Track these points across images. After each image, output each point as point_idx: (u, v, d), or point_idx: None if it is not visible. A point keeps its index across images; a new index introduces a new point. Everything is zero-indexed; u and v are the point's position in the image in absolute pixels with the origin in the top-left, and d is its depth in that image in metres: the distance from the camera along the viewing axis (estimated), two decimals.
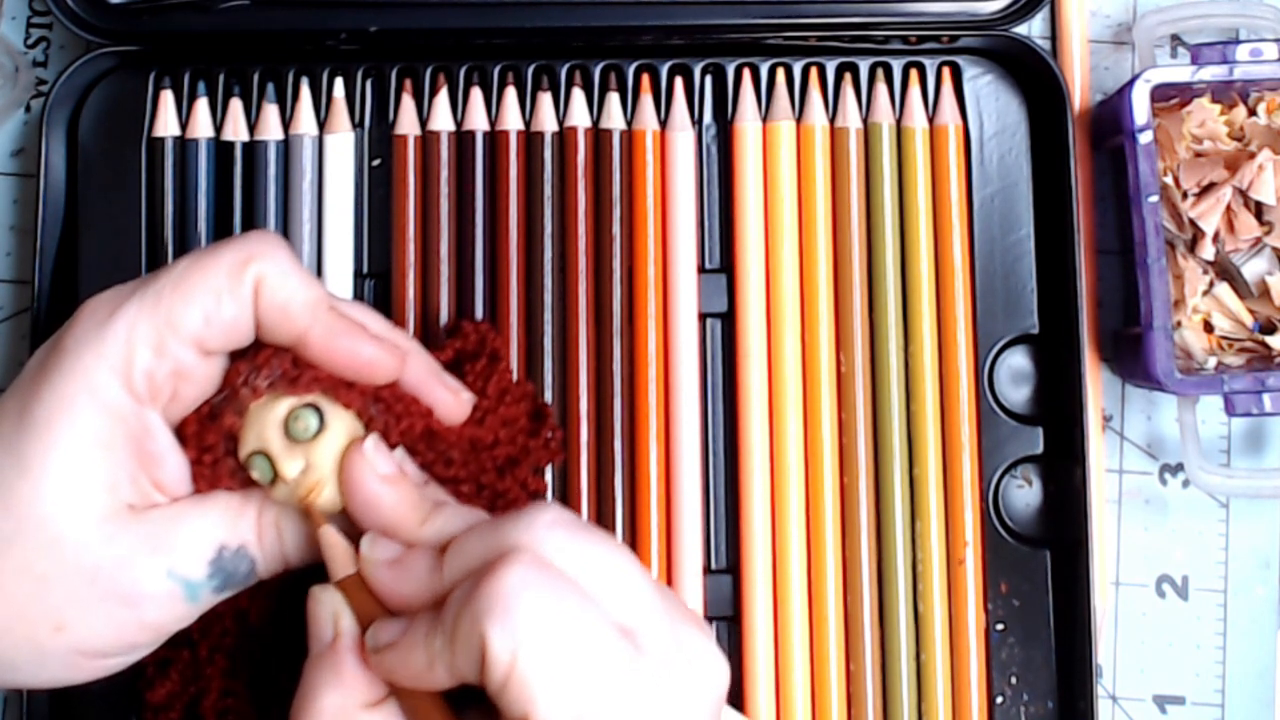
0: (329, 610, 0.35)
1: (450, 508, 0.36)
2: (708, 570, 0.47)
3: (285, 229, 0.47)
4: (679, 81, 0.48)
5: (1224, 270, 0.49)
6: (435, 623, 0.32)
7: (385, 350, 0.37)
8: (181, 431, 0.36)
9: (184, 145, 0.48)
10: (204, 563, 0.36)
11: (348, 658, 0.34)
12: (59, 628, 0.35)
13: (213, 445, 0.36)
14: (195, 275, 0.35)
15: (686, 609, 0.34)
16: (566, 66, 0.48)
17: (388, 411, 0.37)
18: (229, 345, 0.36)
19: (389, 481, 0.36)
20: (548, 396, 0.46)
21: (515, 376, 0.46)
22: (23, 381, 0.36)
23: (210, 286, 0.35)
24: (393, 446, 0.37)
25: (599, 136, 0.48)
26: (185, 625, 0.37)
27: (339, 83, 0.48)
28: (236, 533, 0.36)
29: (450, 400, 0.40)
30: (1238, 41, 0.47)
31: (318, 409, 0.36)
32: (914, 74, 0.48)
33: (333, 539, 0.36)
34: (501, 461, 0.42)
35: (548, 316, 0.47)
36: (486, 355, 0.44)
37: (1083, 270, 0.47)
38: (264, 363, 0.36)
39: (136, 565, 0.35)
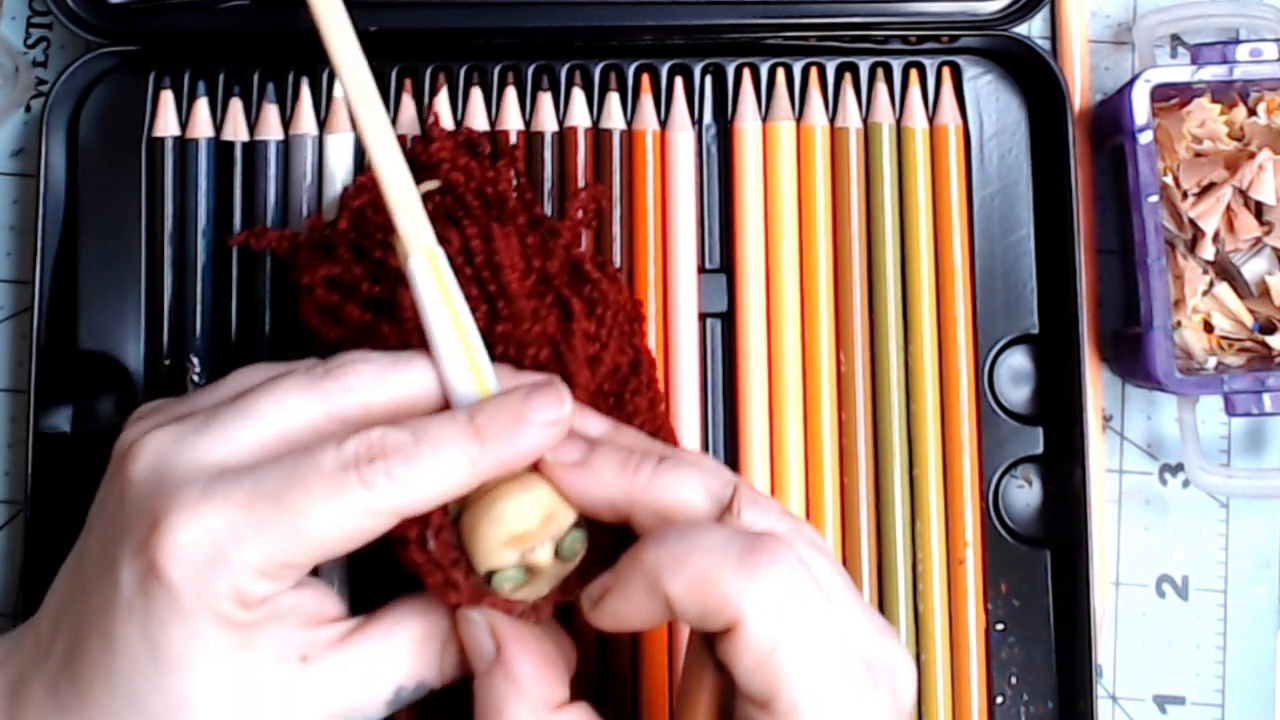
0: (484, 628, 0.34)
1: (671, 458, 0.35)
2: None
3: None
4: (679, 81, 0.48)
5: (1224, 270, 0.49)
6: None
7: (544, 416, 0.34)
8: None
9: (184, 145, 0.48)
10: (381, 703, 0.35)
11: (522, 664, 0.33)
12: None
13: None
14: (320, 525, 0.32)
15: (887, 624, 0.34)
16: (566, 66, 0.48)
17: None
18: None
19: (586, 466, 0.34)
20: None
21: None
22: (134, 612, 0.32)
23: (339, 534, 0.32)
24: None
25: (599, 136, 0.48)
26: None
27: (339, 83, 0.48)
28: (415, 669, 0.35)
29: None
30: (1238, 41, 0.47)
31: (581, 524, 0.35)
32: (914, 74, 0.48)
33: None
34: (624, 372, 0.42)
35: None
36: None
37: (1083, 270, 0.47)
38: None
39: (313, 712, 0.34)
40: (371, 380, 0.35)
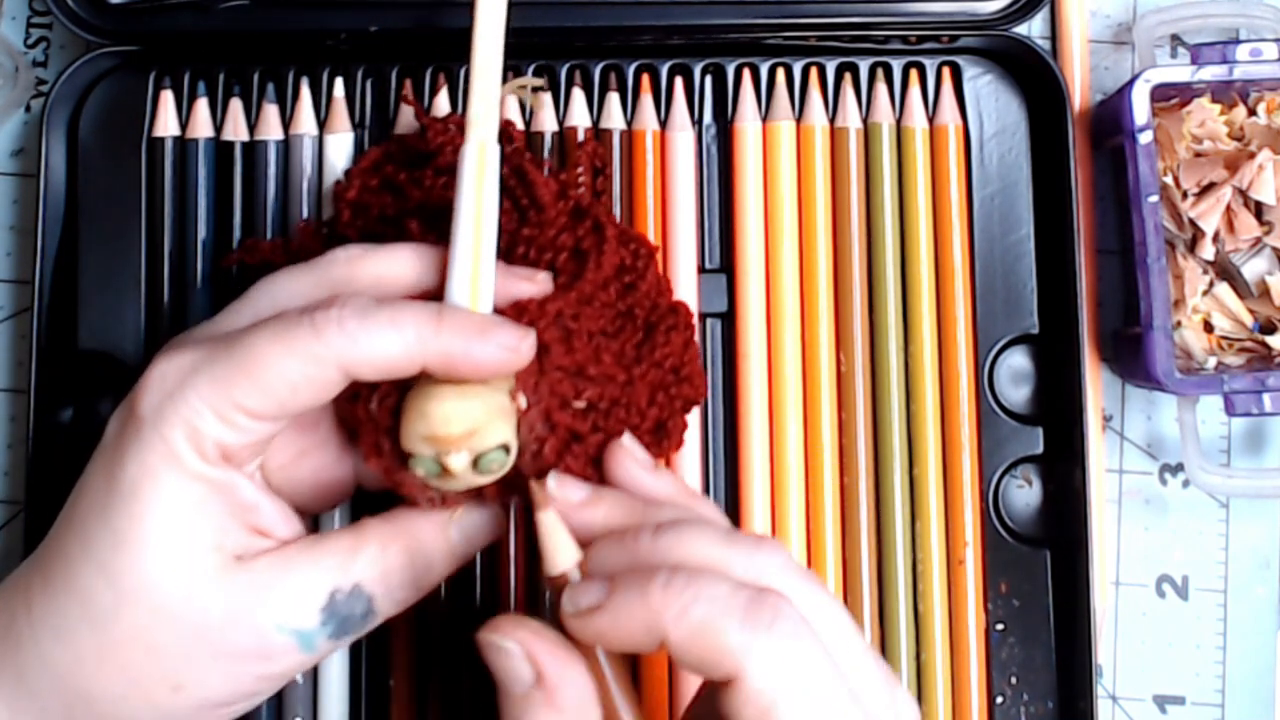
0: (519, 657, 0.33)
1: (665, 507, 0.35)
2: None
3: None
4: (679, 81, 0.48)
5: (1224, 270, 0.49)
6: (666, 591, 0.31)
7: (505, 339, 0.35)
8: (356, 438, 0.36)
9: (184, 145, 0.48)
10: (315, 610, 0.35)
11: (564, 693, 0.32)
12: (176, 688, 0.34)
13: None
14: (267, 364, 0.33)
15: (889, 670, 0.34)
16: (566, 66, 0.48)
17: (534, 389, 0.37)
18: (309, 411, 0.35)
19: (589, 506, 0.35)
20: None
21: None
22: (104, 450, 0.35)
23: (284, 376, 0.34)
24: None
25: (599, 136, 0.48)
26: (303, 670, 0.37)
27: (339, 83, 0.48)
28: (349, 573, 0.35)
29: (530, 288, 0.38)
30: (1238, 41, 0.47)
31: (505, 447, 0.35)
32: (914, 74, 0.48)
33: (555, 531, 0.34)
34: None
35: None
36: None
37: (1083, 270, 0.47)
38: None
39: (245, 621, 0.34)
40: (356, 253, 0.37)
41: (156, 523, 0.34)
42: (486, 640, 0.33)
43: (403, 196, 0.43)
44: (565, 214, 0.41)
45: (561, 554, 0.34)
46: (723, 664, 0.31)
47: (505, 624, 0.33)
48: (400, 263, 0.37)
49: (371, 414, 0.35)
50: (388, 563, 0.36)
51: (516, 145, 0.43)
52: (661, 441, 0.41)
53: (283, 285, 0.38)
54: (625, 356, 0.40)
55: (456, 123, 0.43)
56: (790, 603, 0.32)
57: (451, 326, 0.34)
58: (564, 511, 0.34)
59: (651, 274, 0.43)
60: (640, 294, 0.41)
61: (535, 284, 0.38)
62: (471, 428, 0.34)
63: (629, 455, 0.37)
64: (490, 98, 0.38)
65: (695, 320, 0.45)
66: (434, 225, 0.40)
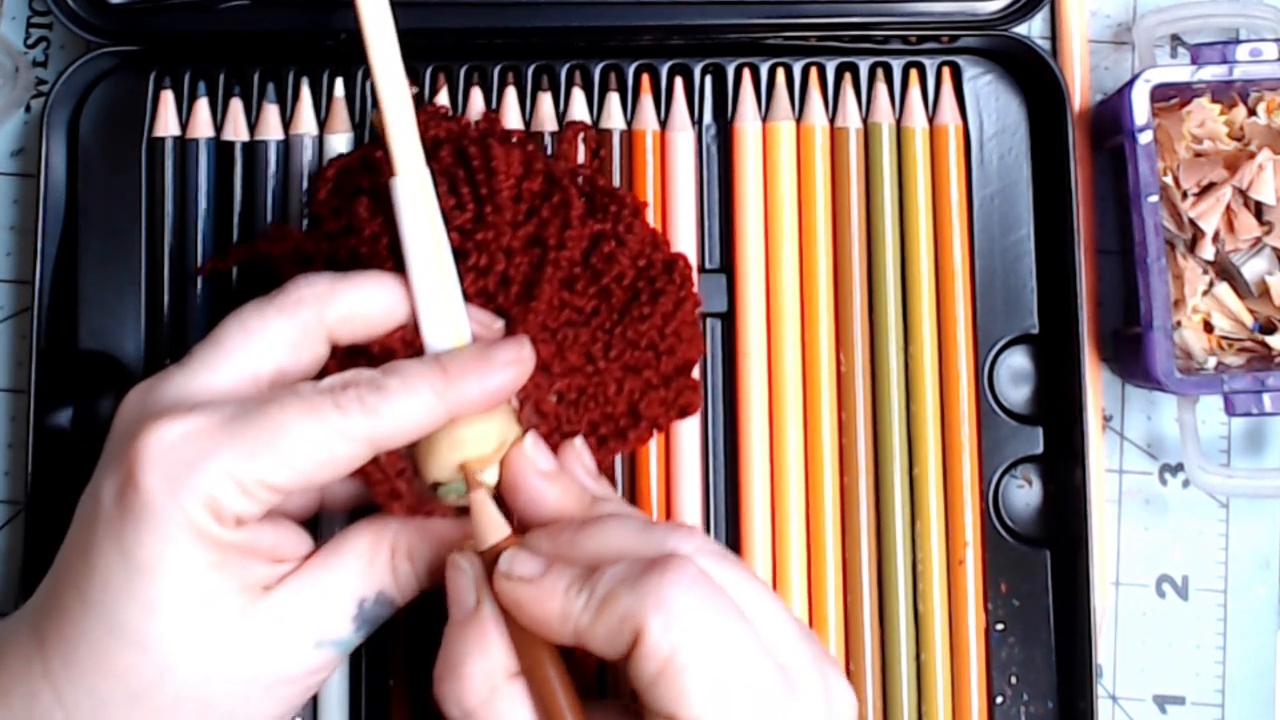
0: (470, 578, 0.35)
1: (613, 505, 0.37)
2: None
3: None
4: (679, 81, 0.48)
5: (1224, 270, 0.49)
6: (582, 582, 0.33)
7: (506, 357, 0.36)
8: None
9: (184, 145, 0.48)
10: (348, 620, 0.36)
11: (493, 626, 0.34)
12: None
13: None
14: (298, 444, 0.34)
15: (826, 650, 0.34)
16: (566, 66, 0.48)
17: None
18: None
19: (549, 478, 0.36)
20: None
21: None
22: (107, 522, 0.34)
23: (316, 457, 0.34)
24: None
25: (599, 136, 0.48)
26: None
27: (339, 83, 0.48)
28: (371, 580, 0.36)
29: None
30: (1238, 41, 0.47)
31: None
32: (914, 74, 0.48)
33: (485, 505, 0.35)
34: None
35: None
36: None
37: (1083, 270, 0.47)
38: None
39: (289, 648, 0.35)
40: (323, 290, 0.37)
41: (184, 589, 0.33)
42: (452, 558, 0.35)
43: (377, 172, 0.42)
44: (535, 186, 0.41)
45: (491, 529, 0.35)
46: (624, 630, 0.31)
47: (473, 554, 0.35)
48: (367, 298, 0.37)
49: (381, 466, 0.36)
50: (403, 566, 0.37)
51: (485, 120, 0.43)
52: (638, 424, 0.41)
53: (254, 330, 0.36)
54: (596, 343, 0.40)
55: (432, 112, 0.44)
56: (689, 561, 0.32)
57: (458, 372, 0.35)
58: (526, 474, 0.36)
59: (637, 232, 0.42)
60: (623, 263, 0.41)
61: (489, 331, 0.39)
62: (503, 439, 0.36)
63: (577, 455, 0.39)
64: (406, 126, 0.38)
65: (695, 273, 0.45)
66: (382, 205, 0.40)
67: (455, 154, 0.41)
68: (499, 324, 0.39)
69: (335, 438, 0.34)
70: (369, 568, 0.36)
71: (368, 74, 0.38)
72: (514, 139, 0.43)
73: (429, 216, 0.38)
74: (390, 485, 0.36)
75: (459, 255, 0.39)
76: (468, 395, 0.35)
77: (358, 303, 0.37)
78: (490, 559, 0.35)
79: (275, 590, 0.35)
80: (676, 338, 0.42)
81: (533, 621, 0.33)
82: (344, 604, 0.36)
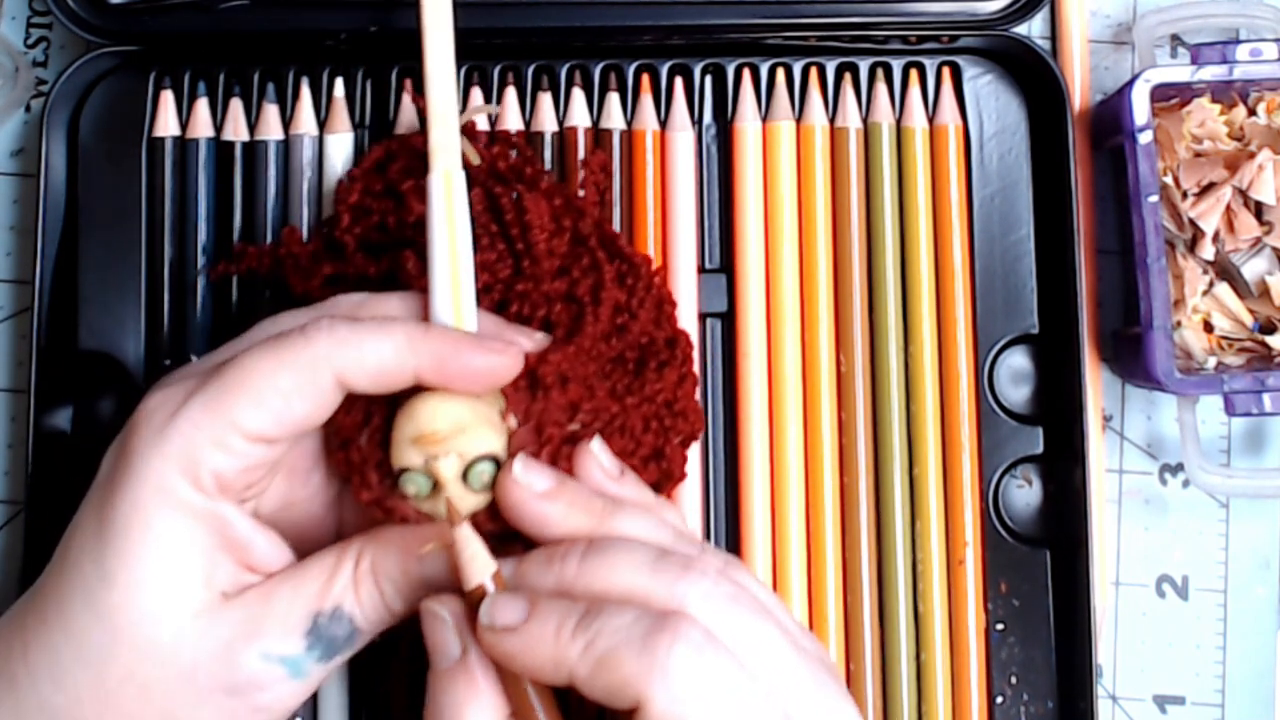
0: (452, 624, 0.33)
1: (629, 516, 0.35)
2: None
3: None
4: (679, 81, 0.48)
5: (1224, 270, 0.49)
6: (576, 622, 0.32)
7: (495, 352, 0.35)
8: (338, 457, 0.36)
9: (184, 145, 0.48)
10: (300, 636, 0.35)
11: (482, 674, 0.33)
12: None
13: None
14: (261, 378, 0.34)
15: (838, 679, 0.34)
16: (566, 66, 0.48)
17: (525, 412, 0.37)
18: (304, 434, 0.35)
19: (549, 498, 0.35)
20: None
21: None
22: (97, 488, 0.35)
23: (279, 388, 0.34)
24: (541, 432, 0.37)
25: (599, 136, 0.48)
26: (302, 700, 0.36)
27: (339, 83, 0.48)
28: (330, 596, 0.35)
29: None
30: (1238, 41, 0.47)
31: (495, 459, 0.35)
32: (914, 74, 0.48)
33: (468, 541, 0.33)
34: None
35: None
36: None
37: (1083, 270, 0.47)
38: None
39: (233, 655, 0.34)
40: (358, 300, 0.37)
41: (147, 561, 0.33)
42: (426, 607, 0.34)
43: (404, 207, 0.42)
44: (563, 248, 0.41)
45: (477, 567, 0.33)
46: (625, 693, 0.31)
47: (450, 597, 0.34)
48: (400, 311, 0.37)
49: (362, 451, 0.36)
50: (366, 582, 0.36)
51: (517, 157, 0.43)
52: (659, 467, 0.41)
53: (283, 323, 0.37)
54: (616, 391, 0.40)
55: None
56: (693, 622, 0.31)
57: (440, 334, 0.35)
58: (525, 500, 0.35)
59: (648, 307, 0.42)
60: (632, 335, 0.41)
61: (533, 342, 0.38)
62: (458, 425, 0.34)
63: (594, 458, 0.37)
64: (450, 124, 0.38)
65: (695, 355, 0.45)
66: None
67: (485, 199, 0.41)
68: (541, 335, 0.39)
69: (301, 368, 0.33)
70: (328, 582, 0.35)
71: (420, 74, 0.39)
72: (541, 183, 0.43)
73: (459, 215, 0.38)
74: (364, 473, 0.35)
75: (500, 306, 0.39)
76: (441, 354, 0.34)
77: (390, 313, 0.37)
78: (475, 601, 0.33)
79: (235, 598, 0.35)
80: (684, 408, 0.42)
81: (525, 670, 0.32)
82: (296, 616, 0.35)
